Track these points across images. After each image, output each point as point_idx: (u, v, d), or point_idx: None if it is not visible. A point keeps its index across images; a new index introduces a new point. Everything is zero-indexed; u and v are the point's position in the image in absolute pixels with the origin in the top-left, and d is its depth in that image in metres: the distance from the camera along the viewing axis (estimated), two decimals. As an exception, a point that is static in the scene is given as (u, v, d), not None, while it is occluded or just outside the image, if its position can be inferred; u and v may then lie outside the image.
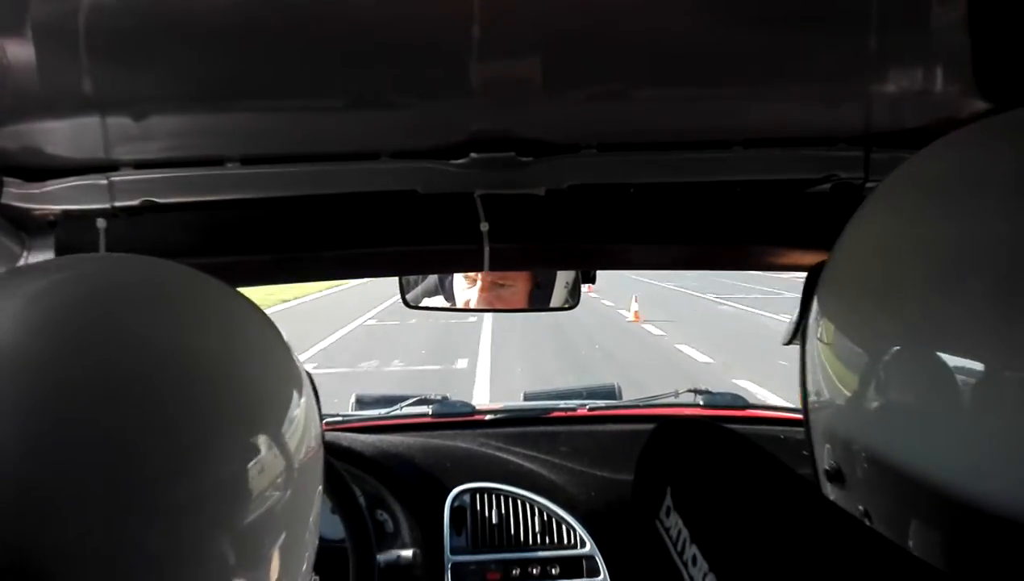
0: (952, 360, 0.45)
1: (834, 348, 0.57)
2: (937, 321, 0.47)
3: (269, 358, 0.53)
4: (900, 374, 0.49)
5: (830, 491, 0.58)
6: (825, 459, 0.58)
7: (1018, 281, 0.43)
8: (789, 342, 0.69)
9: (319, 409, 0.59)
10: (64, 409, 0.42)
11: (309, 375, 0.58)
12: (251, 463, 0.46)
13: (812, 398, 0.62)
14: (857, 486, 0.54)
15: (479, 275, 1.44)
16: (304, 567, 0.54)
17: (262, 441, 0.47)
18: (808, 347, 0.62)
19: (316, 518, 0.55)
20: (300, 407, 0.52)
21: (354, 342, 10.14)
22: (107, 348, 0.45)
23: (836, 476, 0.56)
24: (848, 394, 0.54)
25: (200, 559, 0.44)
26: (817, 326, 0.60)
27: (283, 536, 0.49)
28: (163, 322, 0.48)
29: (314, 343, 9.54)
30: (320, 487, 0.56)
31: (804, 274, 0.68)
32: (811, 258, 1.02)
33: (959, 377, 0.45)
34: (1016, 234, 0.44)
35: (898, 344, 0.49)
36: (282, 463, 0.48)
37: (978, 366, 0.44)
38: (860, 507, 0.54)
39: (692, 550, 0.43)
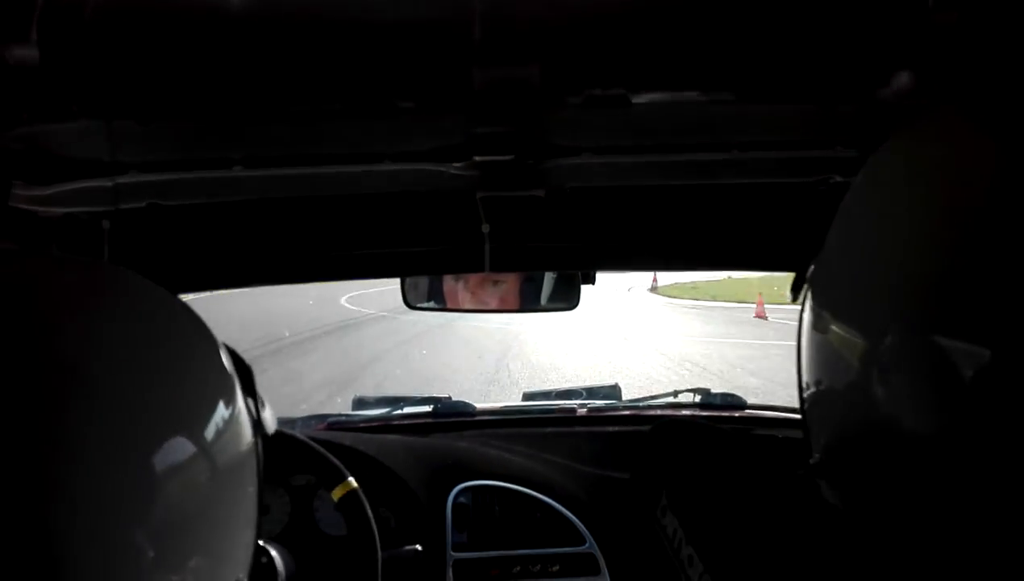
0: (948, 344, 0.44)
1: (826, 338, 0.56)
2: (930, 306, 0.47)
3: (188, 361, 0.52)
4: (893, 361, 0.48)
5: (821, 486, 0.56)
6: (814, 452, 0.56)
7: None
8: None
9: (257, 412, 0.58)
10: None
11: (250, 374, 0.58)
12: (161, 463, 0.45)
13: (806, 390, 0.61)
14: (839, 477, 0.52)
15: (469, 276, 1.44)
16: (233, 568, 0.53)
17: (175, 441, 0.47)
18: (804, 339, 0.61)
19: (248, 520, 0.55)
20: (223, 411, 0.52)
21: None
22: (22, 342, 0.45)
23: (821, 469, 0.54)
24: (837, 381, 0.53)
25: (112, 554, 0.43)
26: (813, 316, 0.59)
27: (204, 535, 0.48)
28: (86, 321, 0.48)
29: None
30: (252, 491, 0.55)
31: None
32: (810, 259, 1.03)
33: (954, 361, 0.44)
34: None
35: (891, 332, 0.49)
36: (201, 464, 0.48)
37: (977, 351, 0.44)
38: (837, 499, 0.52)
39: (688, 550, 0.44)
